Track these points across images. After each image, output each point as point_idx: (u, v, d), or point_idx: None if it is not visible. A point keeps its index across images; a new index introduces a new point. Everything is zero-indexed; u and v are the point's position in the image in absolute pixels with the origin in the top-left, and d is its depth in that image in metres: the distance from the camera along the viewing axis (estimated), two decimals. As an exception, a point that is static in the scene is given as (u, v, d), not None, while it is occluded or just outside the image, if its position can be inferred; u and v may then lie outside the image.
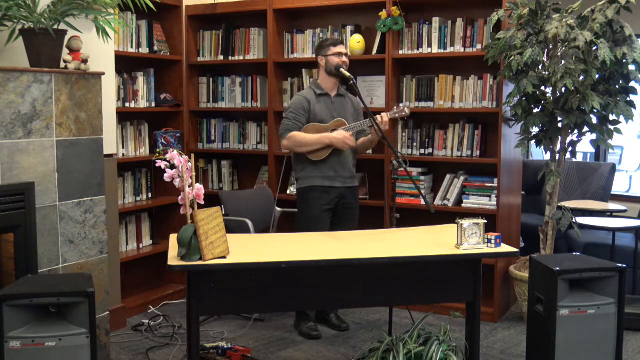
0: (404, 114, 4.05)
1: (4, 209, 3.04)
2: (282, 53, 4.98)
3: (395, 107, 4.09)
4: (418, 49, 4.53)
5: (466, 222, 2.93)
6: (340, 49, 4.03)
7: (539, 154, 7.41)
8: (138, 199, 4.78)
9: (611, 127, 4.03)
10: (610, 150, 4.34)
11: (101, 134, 3.57)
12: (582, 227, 4.51)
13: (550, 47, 3.96)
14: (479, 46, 4.35)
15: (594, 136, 4.11)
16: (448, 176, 4.53)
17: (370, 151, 4.71)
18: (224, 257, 2.77)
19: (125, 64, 4.64)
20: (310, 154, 3.99)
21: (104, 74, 3.57)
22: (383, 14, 4.48)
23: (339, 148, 3.95)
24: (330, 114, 4.04)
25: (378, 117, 3.90)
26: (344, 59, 4.04)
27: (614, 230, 4.55)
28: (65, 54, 3.39)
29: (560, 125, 4.09)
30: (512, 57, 3.88)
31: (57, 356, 2.62)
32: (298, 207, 4.13)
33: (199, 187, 2.81)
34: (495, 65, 4.19)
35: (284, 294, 2.97)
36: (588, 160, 7.76)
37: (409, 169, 3.77)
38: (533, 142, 4.22)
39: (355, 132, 4.05)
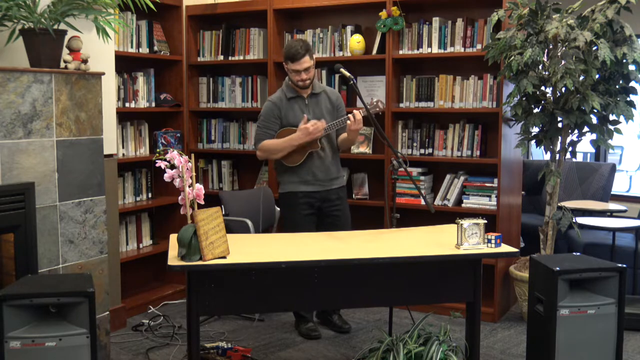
0: (377, 109, 3.85)
1: (4, 209, 3.04)
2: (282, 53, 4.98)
3: (367, 103, 3.83)
4: (418, 49, 4.53)
5: (466, 222, 2.93)
6: (297, 65, 3.74)
7: (539, 154, 7.42)
8: (138, 199, 4.78)
9: (611, 127, 4.03)
10: (610, 150, 4.34)
11: (101, 134, 3.57)
12: (582, 227, 4.51)
13: (550, 47, 3.96)
14: (479, 46, 4.35)
15: (594, 136, 4.11)
16: (448, 176, 4.53)
17: (369, 151, 4.71)
18: (224, 257, 2.77)
19: (125, 64, 4.64)
20: (286, 160, 3.89)
21: (104, 74, 3.58)
22: (383, 14, 4.48)
23: (310, 140, 3.78)
24: (303, 116, 3.87)
25: (350, 115, 3.74)
26: (303, 75, 3.77)
27: (614, 230, 4.55)
28: (65, 54, 3.39)
29: (560, 125, 4.09)
30: (512, 57, 3.88)
31: (57, 356, 2.62)
32: (281, 211, 4.10)
33: (199, 187, 2.81)
34: (495, 65, 4.18)
35: (284, 294, 2.97)
36: (588, 160, 7.76)
37: (409, 169, 3.76)
38: (533, 142, 4.22)
39: (335, 130, 3.92)
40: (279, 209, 4.59)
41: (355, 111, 3.78)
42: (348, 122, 3.76)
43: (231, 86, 5.17)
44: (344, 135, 3.94)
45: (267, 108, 3.93)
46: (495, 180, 4.30)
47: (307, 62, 3.78)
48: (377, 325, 4.20)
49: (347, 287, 3.01)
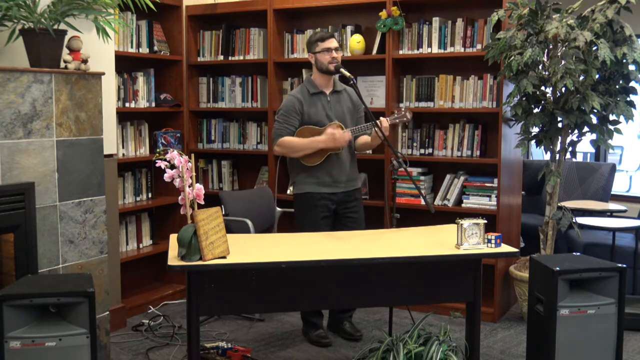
0: (405, 119, 3.84)
1: (4, 209, 3.04)
2: (282, 53, 4.98)
3: (395, 112, 3.88)
4: (418, 49, 4.53)
5: (466, 222, 2.93)
6: (328, 43, 3.74)
7: (539, 154, 7.41)
8: (138, 199, 4.78)
9: (611, 127, 4.03)
10: (610, 150, 4.35)
11: (101, 134, 3.57)
12: (582, 227, 4.50)
13: (550, 47, 3.96)
14: (479, 46, 4.35)
15: (594, 136, 4.11)
16: (448, 176, 4.53)
17: (369, 151, 4.71)
18: (224, 257, 2.77)
19: (125, 64, 4.64)
20: (304, 159, 3.80)
21: (104, 74, 3.57)
22: (383, 14, 4.48)
23: (333, 148, 3.72)
24: (325, 113, 3.81)
25: (378, 121, 3.66)
26: (334, 54, 3.74)
27: (614, 230, 4.54)
28: (65, 54, 3.39)
29: (560, 125, 4.09)
30: (512, 57, 3.88)
31: (57, 356, 2.62)
32: (295, 212, 3.98)
33: (199, 187, 2.81)
34: (495, 65, 4.19)
35: (284, 294, 2.97)
36: (588, 160, 7.76)
37: (409, 169, 3.76)
38: (533, 142, 4.22)
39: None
40: (279, 209, 4.60)
41: (382, 118, 3.71)
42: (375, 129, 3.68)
43: (231, 86, 5.17)
44: (365, 138, 3.88)
45: (289, 102, 3.82)
46: (495, 180, 4.30)
47: (335, 42, 3.80)
48: (377, 325, 4.20)
49: (347, 287, 3.01)
